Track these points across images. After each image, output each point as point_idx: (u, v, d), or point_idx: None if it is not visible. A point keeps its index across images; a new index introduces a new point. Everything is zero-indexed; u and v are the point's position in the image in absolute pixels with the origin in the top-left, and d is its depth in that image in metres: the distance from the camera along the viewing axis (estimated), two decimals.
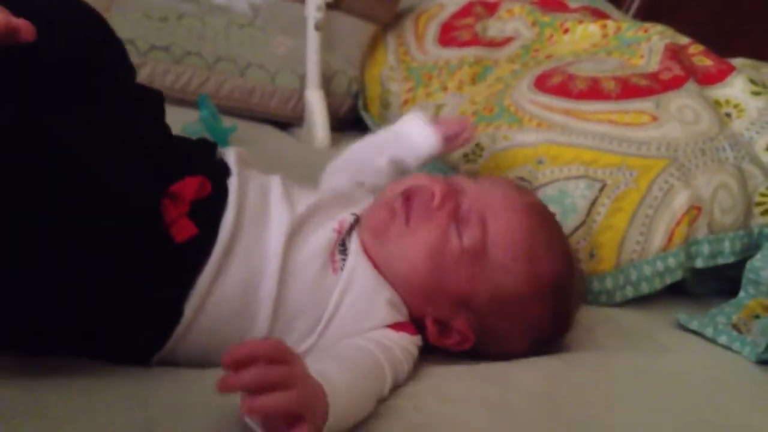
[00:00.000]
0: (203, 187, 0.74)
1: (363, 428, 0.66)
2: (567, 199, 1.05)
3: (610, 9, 1.72)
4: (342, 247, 0.79)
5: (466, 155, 1.27)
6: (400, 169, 1.00)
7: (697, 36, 1.38)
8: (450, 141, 1.02)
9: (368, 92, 1.60)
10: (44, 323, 0.65)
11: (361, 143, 1.04)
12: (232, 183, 0.77)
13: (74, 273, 0.64)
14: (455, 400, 0.73)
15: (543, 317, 0.83)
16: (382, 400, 0.71)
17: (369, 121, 1.58)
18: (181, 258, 0.70)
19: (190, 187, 0.73)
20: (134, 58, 1.33)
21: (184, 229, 0.70)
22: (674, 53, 1.27)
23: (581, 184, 1.06)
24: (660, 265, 1.06)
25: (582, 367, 0.86)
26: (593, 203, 1.05)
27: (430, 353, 0.82)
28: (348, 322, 0.75)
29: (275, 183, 0.82)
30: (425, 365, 0.80)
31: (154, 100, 0.79)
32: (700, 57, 1.30)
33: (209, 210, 0.73)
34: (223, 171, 0.79)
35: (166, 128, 0.79)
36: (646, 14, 1.90)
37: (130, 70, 0.78)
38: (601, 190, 1.06)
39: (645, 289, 1.06)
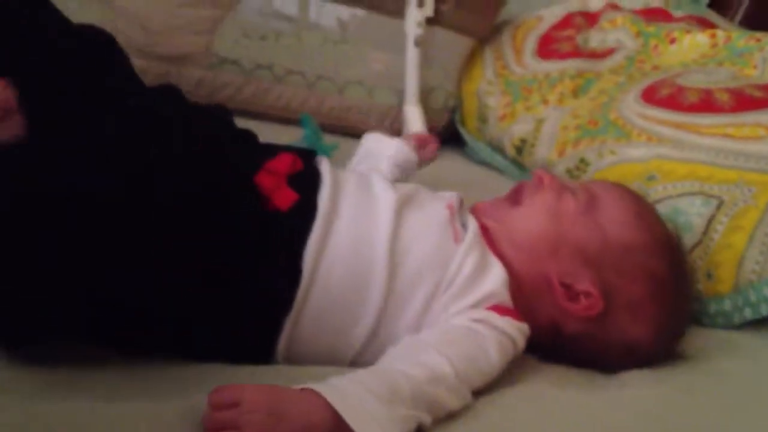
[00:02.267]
0: (296, 163, 0.79)
1: None
2: (681, 217, 1.01)
3: (715, 18, 1.66)
4: (462, 222, 0.83)
5: (569, 171, 1.24)
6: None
7: None
8: (419, 149, 1.08)
9: (465, 107, 1.59)
10: (176, 310, 0.68)
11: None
12: (324, 164, 0.82)
13: (188, 253, 0.67)
14: (556, 416, 0.71)
15: (663, 277, 0.83)
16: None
17: (466, 137, 1.57)
18: (289, 225, 0.74)
19: (284, 162, 0.78)
20: (239, 78, 1.38)
21: (286, 197, 0.75)
22: None
23: (697, 202, 1.02)
24: None
25: (698, 391, 0.82)
26: (710, 221, 1.00)
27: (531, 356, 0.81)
28: (460, 290, 0.76)
29: (374, 172, 0.88)
30: (524, 371, 0.78)
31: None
32: None
33: (305, 180, 0.78)
34: (314, 156, 0.84)
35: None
36: (752, 21, 1.83)
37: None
38: (718, 207, 1.01)
39: (765, 310, 1.00)
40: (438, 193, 0.88)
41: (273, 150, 0.80)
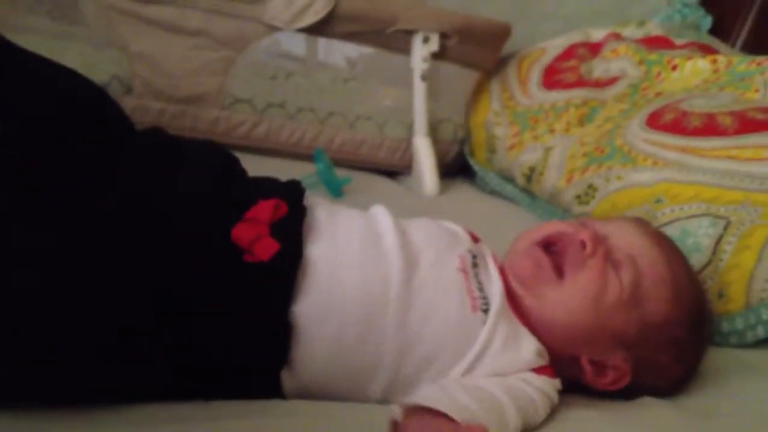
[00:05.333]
0: (279, 208, 0.75)
1: None
2: (689, 239, 1.03)
3: (716, 43, 1.69)
4: (479, 284, 0.78)
5: (578, 197, 1.26)
6: None
7: None
8: None
9: (474, 138, 1.62)
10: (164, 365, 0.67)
11: None
12: (321, 207, 0.79)
13: (173, 310, 0.66)
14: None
15: (687, 340, 0.83)
16: None
17: (476, 167, 1.59)
18: (270, 274, 0.71)
19: (264, 209, 0.74)
20: (252, 116, 1.42)
21: (266, 248, 0.71)
22: None
23: (704, 223, 1.04)
24: None
25: (721, 413, 0.83)
26: (718, 242, 1.02)
27: (569, 396, 0.81)
28: (491, 365, 0.75)
29: (379, 209, 0.82)
30: (564, 410, 0.79)
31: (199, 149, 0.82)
32: None
33: (290, 227, 0.74)
34: (302, 194, 0.80)
35: (225, 168, 0.81)
36: (753, 47, 1.86)
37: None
38: (726, 227, 1.03)
39: None
40: (449, 234, 0.84)
41: (258, 194, 0.76)
